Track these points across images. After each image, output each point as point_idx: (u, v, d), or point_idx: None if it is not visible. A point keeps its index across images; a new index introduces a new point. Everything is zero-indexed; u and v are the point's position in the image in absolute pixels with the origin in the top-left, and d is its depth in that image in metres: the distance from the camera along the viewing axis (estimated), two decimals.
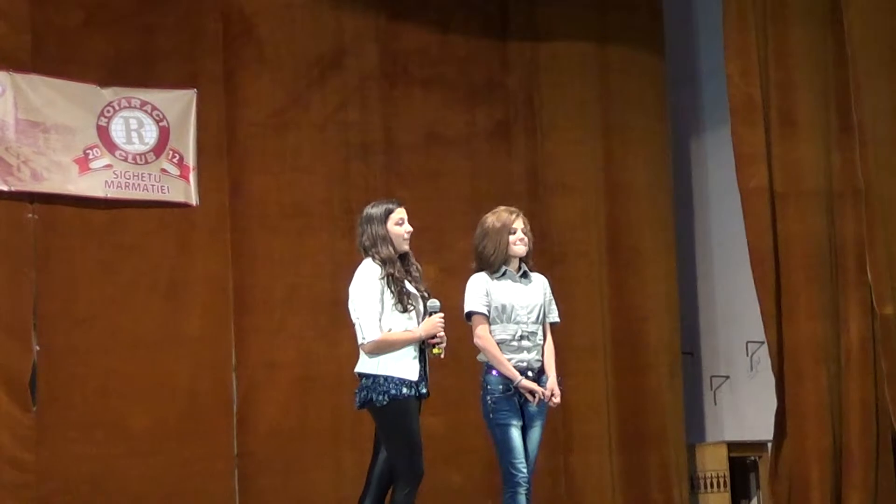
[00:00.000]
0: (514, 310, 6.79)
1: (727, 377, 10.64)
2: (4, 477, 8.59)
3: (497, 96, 10.22)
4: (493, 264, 6.80)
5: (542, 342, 6.83)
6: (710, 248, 10.86)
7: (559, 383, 6.81)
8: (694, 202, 11.00)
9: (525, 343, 6.78)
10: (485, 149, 10.12)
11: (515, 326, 6.79)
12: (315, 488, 9.31)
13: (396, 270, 6.47)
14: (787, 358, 9.21)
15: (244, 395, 9.31)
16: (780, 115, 9.28)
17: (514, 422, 6.72)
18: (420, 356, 6.47)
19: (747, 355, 10.33)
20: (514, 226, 6.83)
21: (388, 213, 6.58)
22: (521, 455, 6.72)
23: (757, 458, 10.26)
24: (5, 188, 8.74)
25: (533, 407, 6.74)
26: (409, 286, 6.51)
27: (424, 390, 6.48)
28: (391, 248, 6.52)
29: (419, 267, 6.68)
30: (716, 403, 10.74)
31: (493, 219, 6.86)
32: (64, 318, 8.92)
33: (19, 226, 8.85)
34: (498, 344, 6.74)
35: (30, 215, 8.88)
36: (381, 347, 6.41)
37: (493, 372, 6.75)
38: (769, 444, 9.58)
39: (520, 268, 6.86)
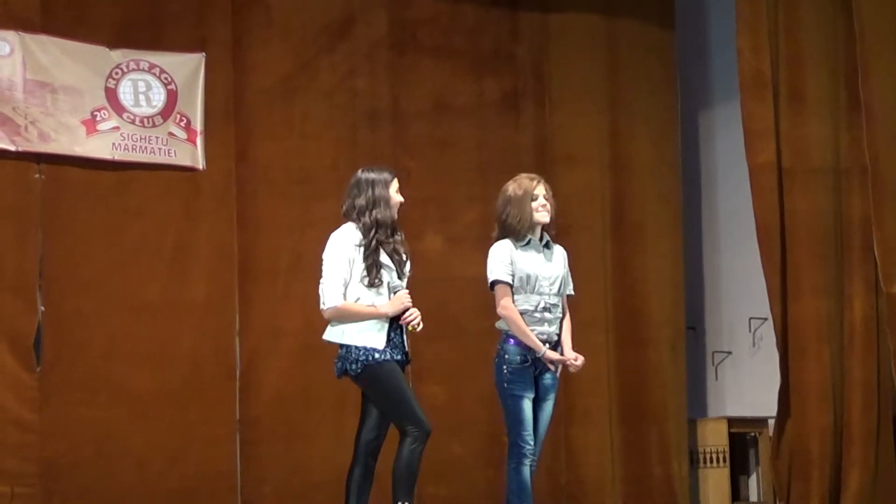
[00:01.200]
0: (538, 280, 6.77)
1: (730, 353, 10.65)
2: (8, 437, 8.60)
3: (506, 67, 10.19)
4: (519, 232, 6.78)
5: (561, 315, 6.84)
6: (716, 224, 10.85)
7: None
8: (701, 177, 10.98)
9: (547, 315, 6.78)
10: (492, 119, 10.10)
11: (538, 297, 6.77)
12: (317, 455, 9.32)
13: (385, 235, 6.48)
14: (790, 335, 9.21)
15: (247, 362, 9.32)
16: (790, 90, 9.26)
17: (528, 394, 6.73)
18: (390, 327, 6.47)
19: (750, 331, 10.33)
20: (535, 192, 6.82)
21: (391, 178, 6.63)
22: (531, 427, 6.73)
23: (757, 435, 10.28)
24: (13, 148, 8.73)
25: (548, 380, 6.76)
26: (383, 258, 6.49)
27: (399, 356, 6.48)
28: (390, 212, 6.54)
29: (401, 232, 6.69)
30: (717, 379, 10.75)
31: (514, 186, 6.85)
32: (69, 279, 8.92)
33: (26, 186, 8.84)
34: (521, 314, 6.75)
35: (37, 176, 8.87)
36: (341, 315, 6.44)
37: (511, 341, 6.74)
38: (770, 421, 9.61)
39: (542, 237, 6.85)
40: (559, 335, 6.82)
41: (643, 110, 10.45)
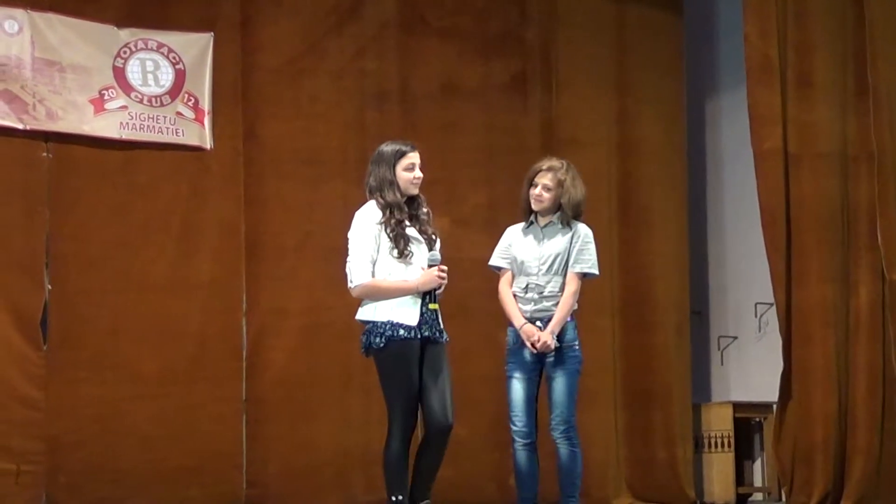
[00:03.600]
0: (526, 262, 6.85)
1: (735, 338, 10.66)
2: (14, 414, 8.64)
3: (514, 49, 10.19)
4: (523, 214, 6.89)
5: (557, 293, 6.85)
6: (722, 208, 10.85)
7: (565, 331, 6.83)
8: (707, 162, 10.98)
9: (533, 295, 6.83)
10: (500, 101, 10.09)
11: (525, 279, 6.87)
12: (322, 435, 9.36)
13: (399, 215, 6.36)
14: (795, 320, 9.20)
15: (253, 341, 9.34)
16: (797, 76, 9.24)
17: (517, 374, 6.83)
18: (423, 301, 6.37)
19: (756, 316, 10.34)
20: (536, 179, 6.87)
21: (400, 155, 6.45)
22: (519, 408, 6.80)
23: (762, 420, 10.30)
24: (21, 126, 8.75)
25: (550, 358, 6.79)
26: (411, 231, 6.40)
27: (427, 333, 6.35)
28: (397, 193, 6.40)
29: (429, 211, 6.58)
30: (723, 364, 10.76)
31: (530, 168, 6.94)
32: (76, 258, 8.94)
33: (34, 164, 8.86)
34: (514, 296, 6.82)
35: (44, 154, 8.89)
36: (370, 293, 6.34)
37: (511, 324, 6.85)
38: (775, 406, 9.61)
39: (560, 217, 6.87)
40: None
41: (650, 94, 10.45)
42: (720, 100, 10.87)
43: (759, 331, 10.33)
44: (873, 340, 8.98)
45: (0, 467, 8.56)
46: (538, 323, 6.79)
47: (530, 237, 6.91)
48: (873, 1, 8.75)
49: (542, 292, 6.84)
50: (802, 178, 9.20)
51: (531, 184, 6.88)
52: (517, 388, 6.84)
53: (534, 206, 6.91)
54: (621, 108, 10.40)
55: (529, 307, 6.84)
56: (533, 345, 6.74)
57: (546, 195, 6.84)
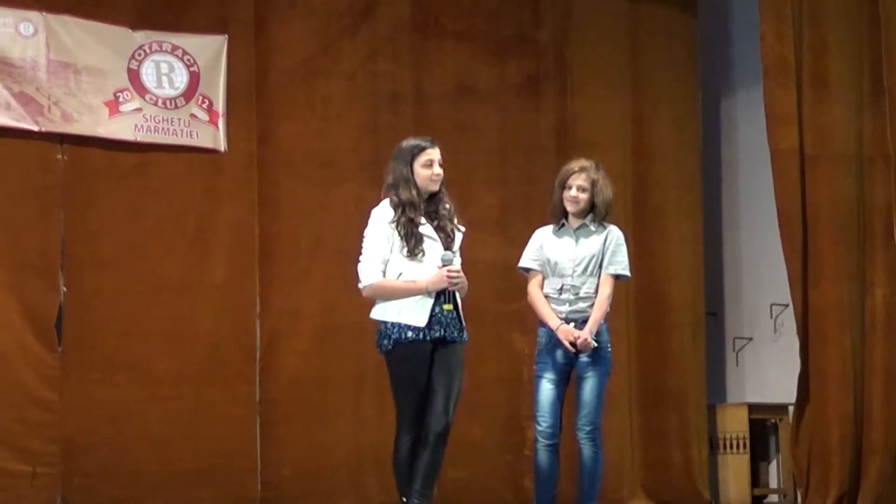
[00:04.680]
0: (560, 264, 6.84)
1: (750, 339, 10.62)
2: (28, 416, 8.66)
3: (527, 50, 10.17)
4: (554, 217, 6.89)
5: (592, 294, 6.85)
6: (738, 209, 10.82)
7: (600, 333, 6.84)
8: (722, 163, 10.95)
9: (565, 296, 6.83)
10: (514, 103, 10.08)
11: (559, 280, 6.88)
12: (336, 437, 9.36)
13: (411, 213, 6.30)
14: (811, 321, 9.17)
15: (267, 343, 9.35)
16: (813, 77, 9.21)
17: (547, 375, 6.81)
18: (436, 301, 6.32)
19: (771, 318, 10.30)
20: (570, 181, 6.86)
21: (418, 151, 6.41)
22: (546, 410, 6.78)
23: (777, 421, 10.26)
24: (36, 128, 8.77)
25: (584, 358, 6.79)
26: (425, 230, 6.34)
27: (439, 334, 6.30)
28: (413, 191, 6.35)
29: (451, 206, 6.51)
30: (738, 365, 10.73)
31: (561, 170, 6.94)
32: (91, 260, 8.96)
33: (49, 167, 8.88)
34: (546, 297, 6.82)
35: (59, 156, 8.91)
36: (379, 293, 6.31)
37: (542, 325, 6.87)
38: (790, 408, 9.58)
39: (589, 220, 6.88)
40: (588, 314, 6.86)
41: (665, 95, 10.42)
42: (735, 100, 10.84)
43: (775, 332, 10.30)
44: (889, 341, 8.94)
45: (15, 469, 8.59)
46: (572, 324, 6.80)
47: (565, 239, 6.92)
48: (889, 2, 8.72)
49: (577, 293, 6.85)
50: (818, 178, 9.17)
51: (564, 186, 6.88)
52: (547, 388, 6.83)
53: (569, 209, 6.90)
54: (636, 109, 10.38)
55: (564, 308, 6.85)
56: (572, 344, 6.73)
57: (582, 196, 6.87)
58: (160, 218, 9.17)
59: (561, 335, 6.76)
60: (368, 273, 6.32)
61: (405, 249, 6.31)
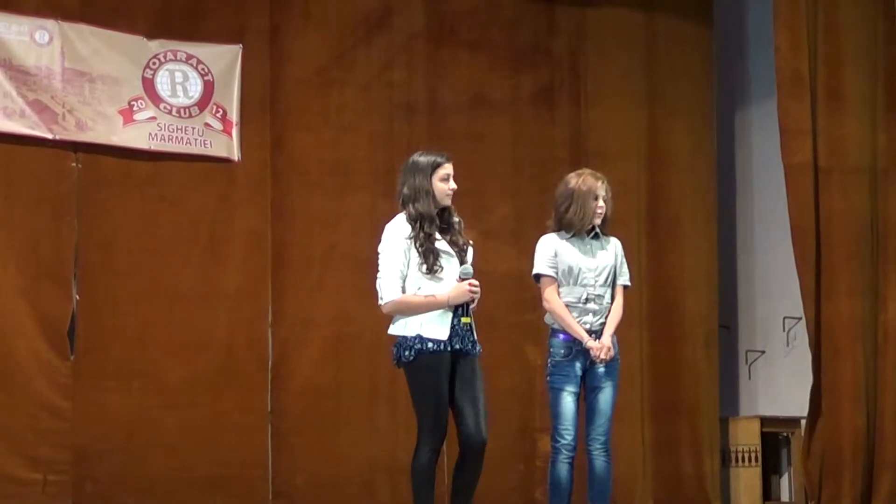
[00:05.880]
0: (581, 272, 6.80)
1: (763, 352, 10.61)
2: (41, 423, 8.68)
3: (542, 61, 10.17)
4: (576, 227, 6.82)
5: (609, 304, 6.84)
6: (751, 222, 10.80)
7: (613, 344, 6.81)
8: (736, 175, 10.93)
9: (591, 306, 6.80)
10: (528, 113, 10.08)
11: (582, 289, 6.81)
12: (348, 445, 9.36)
13: (430, 227, 6.30)
14: (824, 335, 9.16)
15: (280, 352, 9.36)
16: (827, 89, 9.20)
17: (569, 388, 6.74)
18: (455, 314, 6.31)
19: (784, 331, 10.28)
20: (598, 192, 6.83)
21: (436, 166, 6.39)
22: (569, 422, 6.72)
23: (790, 434, 10.24)
24: (50, 136, 8.79)
25: (601, 369, 6.76)
26: (441, 245, 6.34)
27: (458, 346, 6.30)
28: (431, 204, 6.34)
29: (460, 220, 6.52)
30: (750, 378, 10.71)
31: (578, 182, 6.84)
32: (104, 268, 8.99)
33: (63, 175, 8.91)
34: (567, 306, 6.78)
35: (74, 164, 8.93)
36: (400, 309, 6.29)
37: (560, 336, 6.79)
38: (802, 421, 9.56)
39: (592, 230, 6.86)
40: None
41: (680, 106, 10.42)
42: (750, 112, 10.83)
43: (787, 345, 10.28)
44: None
45: (27, 477, 8.61)
46: (593, 335, 6.77)
47: (578, 245, 6.85)
48: None
49: (602, 304, 6.83)
50: (832, 192, 9.16)
51: (594, 197, 6.85)
52: (568, 401, 6.75)
53: (597, 220, 6.87)
54: (650, 120, 10.37)
55: (590, 318, 6.80)
56: (600, 357, 6.72)
57: (607, 207, 6.86)
58: (174, 226, 9.19)
59: (593, 351, 6.72)
60: (389, 289, 6.30)
61: (424, 266, 6.30)
